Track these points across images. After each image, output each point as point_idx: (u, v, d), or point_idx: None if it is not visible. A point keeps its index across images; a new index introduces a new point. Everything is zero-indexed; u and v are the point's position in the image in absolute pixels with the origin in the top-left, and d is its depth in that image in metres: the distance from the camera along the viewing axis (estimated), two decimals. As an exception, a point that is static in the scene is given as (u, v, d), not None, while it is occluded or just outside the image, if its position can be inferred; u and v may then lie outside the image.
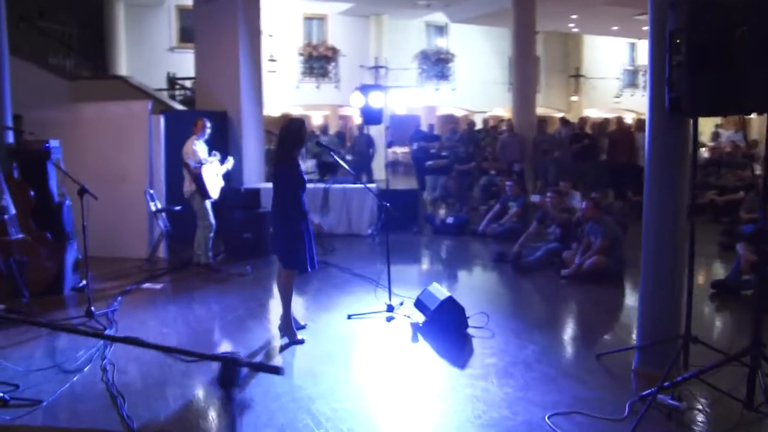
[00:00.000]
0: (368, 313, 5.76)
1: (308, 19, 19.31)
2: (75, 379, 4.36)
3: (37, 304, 5.86)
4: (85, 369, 4.52)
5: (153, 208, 7.72)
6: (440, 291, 5.41)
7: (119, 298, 6.42)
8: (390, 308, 5.75)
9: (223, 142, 10.06)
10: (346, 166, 6.37)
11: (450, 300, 5.23)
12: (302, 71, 19.05)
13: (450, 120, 20.59)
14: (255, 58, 10.91)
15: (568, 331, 5.66)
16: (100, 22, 15.73)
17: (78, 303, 6.26)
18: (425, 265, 8.49)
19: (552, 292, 6.86)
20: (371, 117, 11.20)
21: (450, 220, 10.20)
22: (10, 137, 6.46)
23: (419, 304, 5.57)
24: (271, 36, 16.73)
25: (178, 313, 5.94)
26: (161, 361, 4.66)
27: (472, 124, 15.14)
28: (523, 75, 13.95)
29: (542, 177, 13.15)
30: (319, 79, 19.14)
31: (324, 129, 14.90)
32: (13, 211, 5.66)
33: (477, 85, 20.33)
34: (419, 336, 5.22)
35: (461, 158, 13.03)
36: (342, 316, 5.74)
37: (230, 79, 10.42)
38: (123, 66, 16.14)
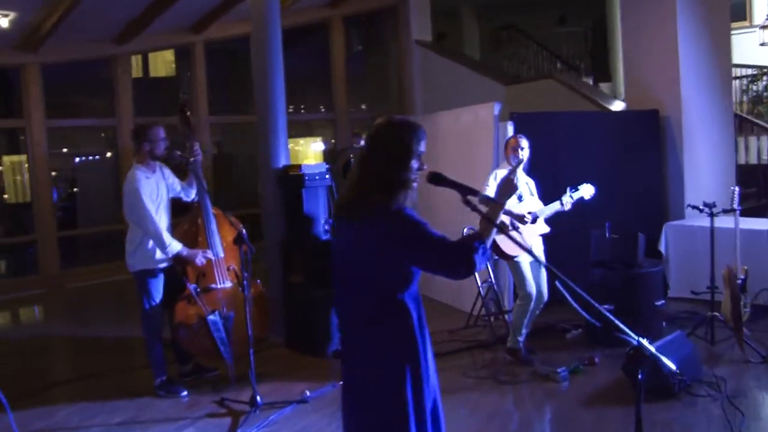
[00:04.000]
0: None
1: None
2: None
3: (261, 369, 4.65)
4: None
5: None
6: None
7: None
8: None
9: (647, 153, 7.01)
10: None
11: None
12: None
13: None
14: (712, 32, 7.24)
15: None
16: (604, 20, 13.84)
17: (314, 376, 4.84)
18: None
19: None
20: None
21: None
22: (281, 161, 5.53)
23: None
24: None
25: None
26: None
27: None
28: None
29: None
30: None
31: None
32: (221, 254, 4.64)
33: None
34: None
35: None
36: None
37: (665, 64, 7.18)
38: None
